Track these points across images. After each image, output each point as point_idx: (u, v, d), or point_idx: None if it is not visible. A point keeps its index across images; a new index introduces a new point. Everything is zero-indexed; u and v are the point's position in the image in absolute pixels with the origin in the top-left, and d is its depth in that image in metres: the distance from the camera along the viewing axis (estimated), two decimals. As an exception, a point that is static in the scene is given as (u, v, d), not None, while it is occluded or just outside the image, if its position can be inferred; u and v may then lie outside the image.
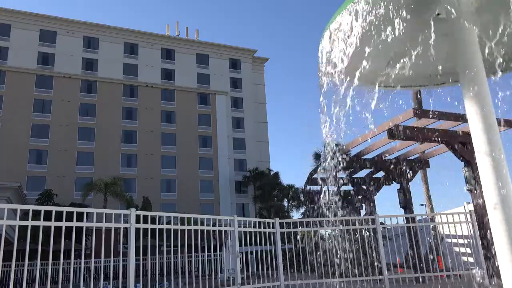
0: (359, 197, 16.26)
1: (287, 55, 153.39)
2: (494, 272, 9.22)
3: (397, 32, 2.56)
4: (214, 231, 8.53)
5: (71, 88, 57.72)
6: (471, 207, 10.67)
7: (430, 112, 10.85)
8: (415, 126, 11.91)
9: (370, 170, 15.62)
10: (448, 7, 2.53)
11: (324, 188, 17.14)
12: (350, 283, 9.15)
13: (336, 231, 9.72)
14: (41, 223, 5.97)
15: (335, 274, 9.14)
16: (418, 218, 12.45)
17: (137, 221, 7.06)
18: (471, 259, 10.26)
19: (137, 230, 7.02)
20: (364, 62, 2.74)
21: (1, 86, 54.41)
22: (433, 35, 2.55)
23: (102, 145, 56.53)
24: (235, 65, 70.56)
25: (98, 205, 40.95)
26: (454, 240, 11.99)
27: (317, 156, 50.95)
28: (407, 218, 10.96)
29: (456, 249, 11.71)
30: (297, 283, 9.08)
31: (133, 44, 63.85)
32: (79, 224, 6.36)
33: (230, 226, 8.78)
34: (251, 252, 10.37)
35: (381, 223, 9.98)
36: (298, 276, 9.86)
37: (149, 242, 9.86)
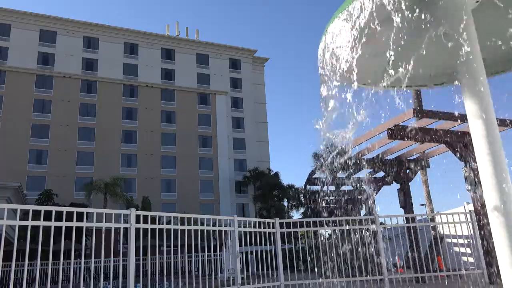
0: (359, 197, 16.27)
1: (287, 55, 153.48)
2: (494, 272, 9.21)
3: (397, 32, 2.56)
4: (214, 231, 8.53)
5: (71, 88, 57.74)
6: (471, 207, 10.67)
7: (429, 112, 10.85)
8: (415, 126, 11.91)
9: (370, 170, 15.61)
10: (448, 6, 2.53)
11: (324, 188, 17.15)
12: (350, 283, 9.15)
13: (336, 231, 9.72)
14: (41, 223, 5.97)
15: (335, 274, 9.14)
16: (418, 218, 12.45)
17: (137, 221, 7.06)
18: (471, 259, 10.26)
19: (137, 230, 7.02)
20: (365, 62, 2.74)
21: (1, 86, 54.43)
22: (433, 35, 2.55)
23: (102, 145, 56.55)
24: (235, 65, 70.58)
25: (98, 205, 40.97)
26: (454, 240, 11.99)
27: (316, 156, 50.98)
28: (407, 218, 10.97)
29: (456, 249, 11.71)
30: (297, 283, 9.08)
31: (133, 44, 63.86)
32: (79, 224, 6.36)
33: (230, 226, 8.78)
34: (251, 252, 10.37)
35: (381, 223, 9.98)
36: (298, 276, 9.86)
37: (149, 242, 9.92)
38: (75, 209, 6.39)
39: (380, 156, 14.37)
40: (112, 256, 22.79)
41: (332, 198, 17.47)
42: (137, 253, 6.78)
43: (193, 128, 63.11)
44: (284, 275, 9.16)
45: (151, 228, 7.39)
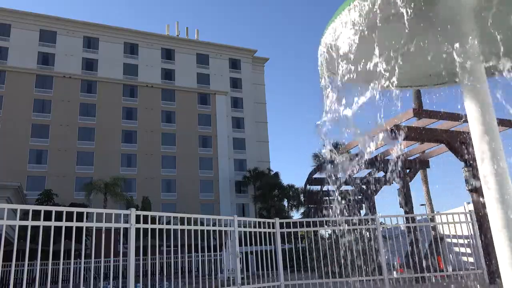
0: (359, 197, 16.27)
1: (287, 55, 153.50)
2: (494, 272, 9.21)
3: (397, 32, 2.56)
4: (214, 231, 8.52)
5: (71, 88, 57.73)
6: (471, 207, 10.66)
7: (430, 112, 10.86)
8: (415, 126, 11.92)
9: (370, 170, 15.62)
10: (448, 6, 2.52)
11: (325, 188, 17.15)
12: (350, 283, 9.15)
13: (336, 231, 9.71)
14: (41, 223, 5.97)
15: (335, 274, 9.14)
16: (418, 218, 12.44)
17: (137, 221, 7.05)
18: (471, 259, 10.26)
19: (137, 230, 7.01)
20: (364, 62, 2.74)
21: (1, 86, 54.41)
22: (432, 35, 2.55)
23: (102, 145, 56.54)
24: (235, 65, 70.57)
25: (98, 205, 40.97)
26: (454, 240, 11.98)
27: (316, 156, 50.97)
28: (407, 218, 10.96)
29: (456, 249, 11.71)
30: (297, 283, 9.08)
31: (133, 44, 63.85)
32: (79, 224, 6.36)
33: (230, 226, 8.77)
34: (251, 252, 10.37)
35: (381, 223, 9.98)
36: (298, 276, 9.86)
37: (149, 242, 9.91)
38: (75, 209, 6.38)
39: (380, 156, 14.37)
40: (112, 256, 22.77)
41: (332, 198, 17.47)
42: (137, 253, 6.78)
43: (193, 128, 63.10)
44: (284, 275, 9.16)
45: (151, 228, 7.38)
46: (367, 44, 2.67)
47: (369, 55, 2.75)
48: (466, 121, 2.55)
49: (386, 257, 9.70)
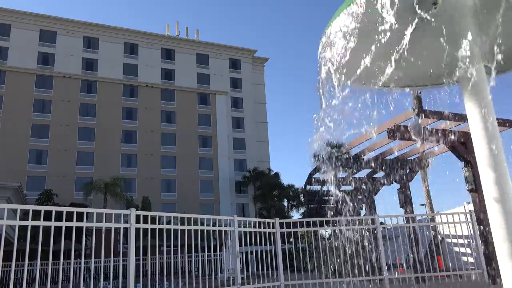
0: (359, 197, 16.25)
1: (287, 55, 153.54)
2: (494, 272, 9.21)
3: (396, 32, 2.55)
4: (214, 231, 8.52)
5: (71, 88, 57.75)
6: (471, 207, 10.66)
7: (430, 112, 10.84)
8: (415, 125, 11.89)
9: (370, 170, 15.60)
10: (448, 6, 2.52)
11: (325, 188, 17.14)
12: (350, 283, 9.15)
13: (336, 231, 9.71)
14: (41, 223, 5.97)
15: (335, 274, 9.14)
16: (418, 218, 12.44)
17: (137, 221, 7.05)
18: (471, 259, 10.26)
19: (137, 230, 7.01)
20: (365, 61, 2.74)
21: (1, 86, 54.43)
22: (433, 34, 2.55)
23: (102, 145, 56.55)
24: (235, 65, 70.58)
25: (98, 205, 40.97)
26: (454, 240, 11.98)
27: (316, 156, 50.90)
28: (407, 218, 10.96)
29: (456, 249, 11.70)
30: (297, 283, 9.07)
31: (133, 44, 63.86)
32: (79, 224, 6.36)
33: (230, 226, 8.77)
34: (251, 252, 10.37)
35: (381, 223, 9.98)
36: (298, 276, 9.86)
37: (149, 242, 9.92)
38: (75, 209, 6.38)
39: (380, 156, 14.37)
40: (112, 256, 22.78)
41: (332, 198, 17.47)
42: (137, 253, 6.78)
43: (193, 128, 63.11)
44: (284, 275, 9.16)
45: (151, 228, 7.38)
46: (366, 45, 2.66)
47: (367, 55, 2.75)
48: (466, 121, 2.55)
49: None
